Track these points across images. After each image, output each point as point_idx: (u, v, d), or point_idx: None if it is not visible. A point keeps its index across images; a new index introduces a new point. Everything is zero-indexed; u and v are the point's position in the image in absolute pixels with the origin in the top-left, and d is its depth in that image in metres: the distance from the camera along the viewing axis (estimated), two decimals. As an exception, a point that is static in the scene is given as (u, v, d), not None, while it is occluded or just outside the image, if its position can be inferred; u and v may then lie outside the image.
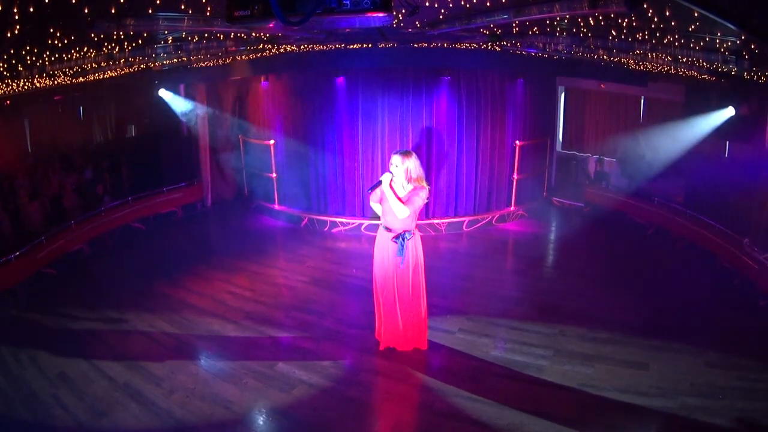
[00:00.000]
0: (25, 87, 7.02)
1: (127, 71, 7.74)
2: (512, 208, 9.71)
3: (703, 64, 5.80)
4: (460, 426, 4.22)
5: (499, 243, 8.79)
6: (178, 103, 9.98)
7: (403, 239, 4.76)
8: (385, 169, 4.78)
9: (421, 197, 4.65)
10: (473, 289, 6.78)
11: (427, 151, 8.98)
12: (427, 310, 5.17)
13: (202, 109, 10.13)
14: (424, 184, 4.73)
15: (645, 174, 8.94)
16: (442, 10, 4.91)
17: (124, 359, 5.12)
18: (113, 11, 3.92)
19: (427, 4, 4.44)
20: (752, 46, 4.59)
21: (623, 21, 4.60)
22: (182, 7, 4.17)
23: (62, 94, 9.14)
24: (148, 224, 9.40)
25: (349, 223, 9.15)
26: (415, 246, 4.86)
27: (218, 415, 4.32)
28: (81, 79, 7.33)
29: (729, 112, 7.57)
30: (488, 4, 4.46)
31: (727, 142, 8.38)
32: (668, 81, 8.27)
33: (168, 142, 10.04)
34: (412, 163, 4.65)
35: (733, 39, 4.50)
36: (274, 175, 9.86)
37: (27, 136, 9.73)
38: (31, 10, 3.27)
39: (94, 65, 6.35)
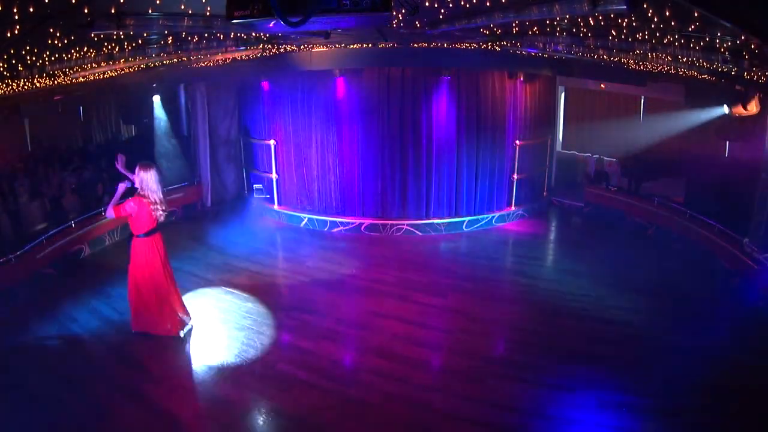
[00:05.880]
0: (25, 87, 7.01)
1: (127, 71, 7.73)
2: (512, 208, 9.71)
3: (703, 64, 5.79)
4: (460, 426, 4.22)
5: (498, 243, 8.79)
6: (177, 103, 9.96)
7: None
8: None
9: (123, 206, 5.14)
10: (473, 289, 6.78)
11: (427, 151, 8.98)
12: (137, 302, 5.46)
13: (201, 109, 10.11)
14: (150, 197, 5.16)
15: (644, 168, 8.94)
16: (442, 10, 4.90)
17: (124, 359, 5.13)
18: (113, 11, 3.92)
19: (427, 4, 4.44)
20: (752, 46, 4.58)
21: (623, 21, 4.60)
22: (182, 7, 4.17)
23: (62, 94, 9.13)
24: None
25: (348, 224, 9.15)
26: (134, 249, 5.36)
27: (218, 415, 4.33)
28: (81, 78, 7.31)
29: (722, 110, 7.66)
30: (488, 4, 4.46)
31: (727, 142, 8.38)
32: (668, 81, 8.26)
33: (168, 142, 10.03)
34: (143, 176, 5.17)
35: (733, 39, 4.50)
36: (274, 175, 9.86)
37: (27, 136, 9.72)
38: (31, 9, 3.27)
39: (94, 65, 6.35)
